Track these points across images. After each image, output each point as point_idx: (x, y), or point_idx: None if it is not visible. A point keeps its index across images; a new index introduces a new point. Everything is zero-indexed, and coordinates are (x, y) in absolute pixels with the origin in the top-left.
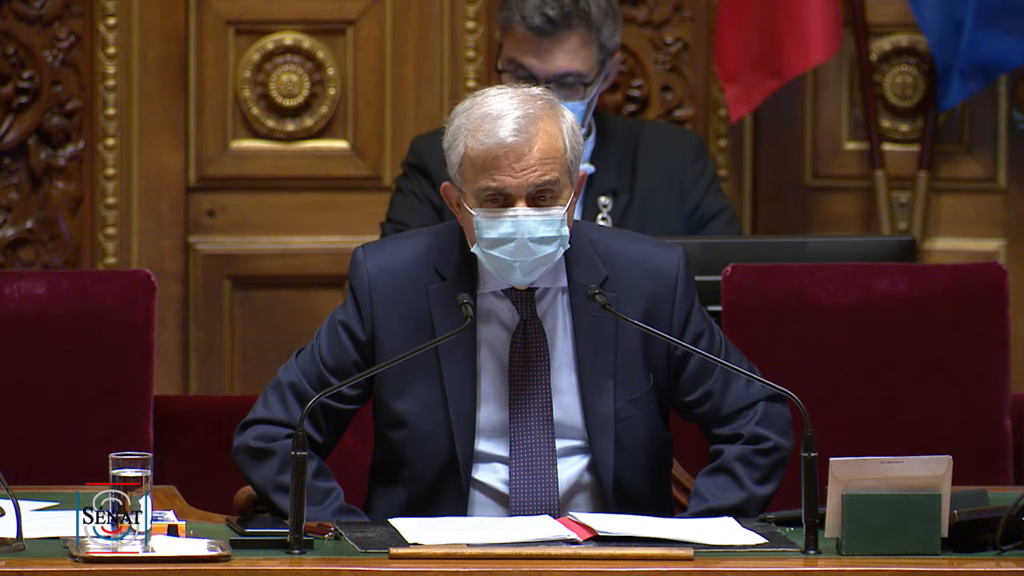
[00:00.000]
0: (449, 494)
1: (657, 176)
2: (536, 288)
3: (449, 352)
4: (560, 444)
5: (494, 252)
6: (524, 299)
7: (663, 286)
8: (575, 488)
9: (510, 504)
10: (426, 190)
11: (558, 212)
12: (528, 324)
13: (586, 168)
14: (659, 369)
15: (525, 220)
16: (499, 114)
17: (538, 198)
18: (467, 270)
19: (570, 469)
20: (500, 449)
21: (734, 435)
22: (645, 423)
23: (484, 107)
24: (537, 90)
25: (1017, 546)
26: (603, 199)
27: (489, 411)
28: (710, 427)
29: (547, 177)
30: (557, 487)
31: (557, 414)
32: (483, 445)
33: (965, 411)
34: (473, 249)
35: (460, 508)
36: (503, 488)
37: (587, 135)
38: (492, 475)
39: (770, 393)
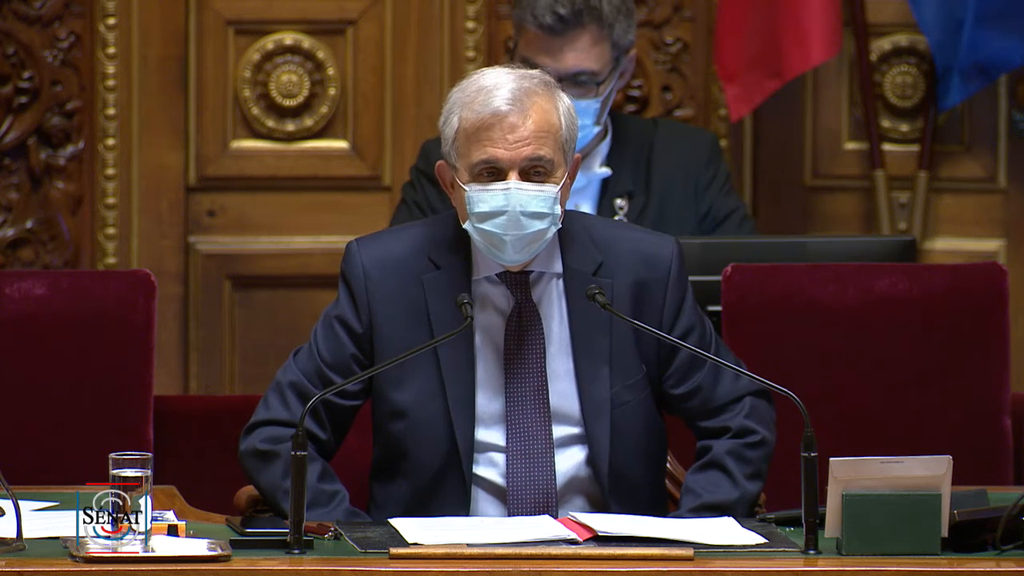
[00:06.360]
0: (451, 485)
1: (673, 177)
2: (531, 272)
3: (446, 340)
4: (557, 432)
5: (485, 226)
6: (519, 283)
7: (656, 274)
8: (572, 483)
9: (507, 494)
10: (430, 197)
11: (551, 189)
12: (523, 308)
13: (605, 172)
14: (650, 359)
15: (517, 193)
16: (494, 86)
17: (531, 173)
18: (461, 257)
19: (568, 461)
20: (497, 438)
21: (722, 428)
22: (641, 409)
23: (479, 82)
24: (535, 71)
25: (1017, 546)
26: (619, 201)
27: (486, 398)
28: (697, 420)
29: (541, 152)
30: (554, 475)
31: (553, 400)
32: (481, 434)
33: (965, 411)
34: (465, 226)
35: (463, 500)
36: (501, 482)
37: (603, 135)
38: (492, 469)
39: (756, 388)
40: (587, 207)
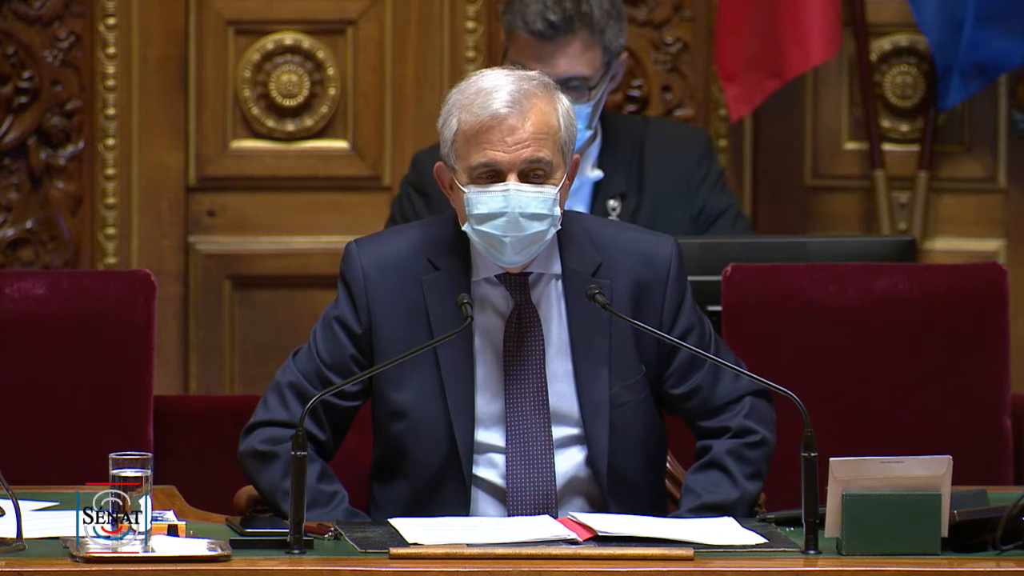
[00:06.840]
0: (451, 486)
1: (665, 177)
2: (530, 273)
3: (446, 341)
4: (556, 433)
5: (484, 227)
6: (518, 284)
7: (655, 274)
8: (572, 483)
9: (507, 495)
10: (419, 211)
11: (550, 190)
12: (522, 309)
13: (597, 174)
14: (649, 360)
15: (517, 194)
16: (493, 88)
17: (530, 174)
18: (460, 258)
19: (567, 462)
20: (497, 439)
21: (721, 428)
22: (641, 410)
23: (478, 84)
24: (534, 72)
25: (1017, 546)
26: (612, 202)
27: (485, 399)
28: (696, 420)
29: (540, 154)
30: (554, 476)
31: (553, 401)
32: (481, 435)
33: (965, 411)
34: (464, 227)
35: (463, 500)
36: (501, 482)
37: (593, 138)
38: (491, 470)
39: (756, 388)
40: (580, 210)
